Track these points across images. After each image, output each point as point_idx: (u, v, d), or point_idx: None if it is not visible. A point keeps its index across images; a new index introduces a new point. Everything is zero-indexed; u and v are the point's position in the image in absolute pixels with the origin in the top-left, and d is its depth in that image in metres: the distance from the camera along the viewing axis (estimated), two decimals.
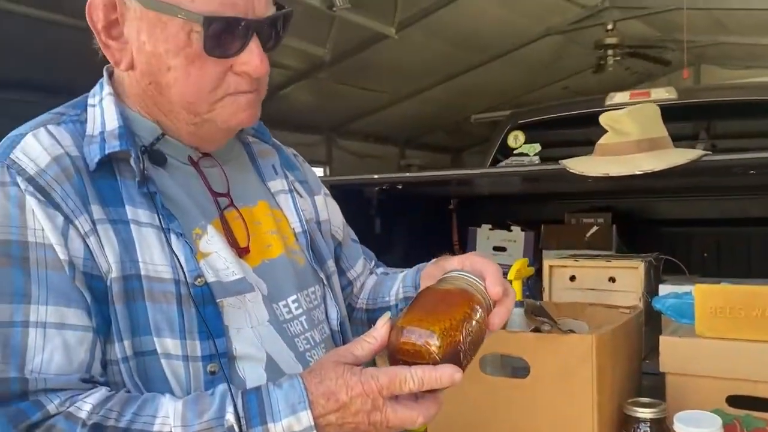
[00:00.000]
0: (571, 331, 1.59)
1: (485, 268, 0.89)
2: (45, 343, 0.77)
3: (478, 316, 0.81)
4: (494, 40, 5.33)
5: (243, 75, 0.87)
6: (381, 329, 0.79)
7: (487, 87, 6.27)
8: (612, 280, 2.04)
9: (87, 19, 0.87)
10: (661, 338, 1.40)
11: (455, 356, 0.77)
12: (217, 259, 0.88)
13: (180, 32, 0.83)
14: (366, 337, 0.79)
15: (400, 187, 2.45)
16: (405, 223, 2.80)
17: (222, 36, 0.84)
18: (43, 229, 0.79)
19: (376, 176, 2.28)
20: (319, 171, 6.50)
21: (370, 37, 4.46)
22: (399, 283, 1.13)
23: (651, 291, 2.00)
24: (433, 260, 1.06)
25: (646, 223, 2.99)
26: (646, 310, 1.85)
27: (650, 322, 1.91)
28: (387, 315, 0.81)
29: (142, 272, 0.82)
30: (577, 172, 1.85)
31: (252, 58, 0.86)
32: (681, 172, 1.85)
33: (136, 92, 0.91)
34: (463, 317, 0.79)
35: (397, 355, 0.77)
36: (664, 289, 1.85)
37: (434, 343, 0.75)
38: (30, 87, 4.04)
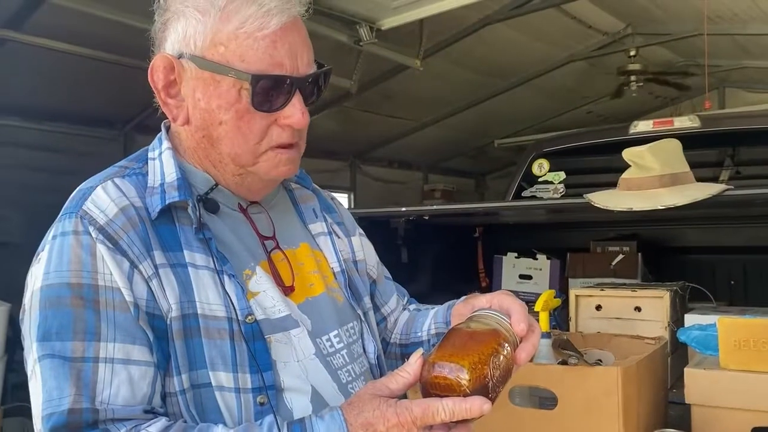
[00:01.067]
0: (598, 361, 1.62)
1: (511, 306, 0.95)
2: (113, 378, 0.84)
3: (505, 351, 0.87)
4: (517, 67, 5.38)
5: (285, 128, 0.95)
6: (414, 364, 0.84)
7: (511, 113, 6.32)
8: (638, 309, 2.07)
9: (149, 79, 0.96)
10: (686, 370, 1.43)
11: (484, 388, 0.82)
12: (265, 298, 0.96)
13: (231, 89, 0.92)
14: (400, 372, 0.85)
15: (426, 218, 2.50)
16: (431, 251, 2.85)
17: (269, 93, 0.92)
18: (111, 274, 0.86)
19: (403, 209, 2.34)
20: (343, 197, 6.58)
21: (394, 67, 4.55)
22: (431, 319, 1.19)
23: (677, 320, 2.02)
24: (464, 298, 1.11)
25: (673, 251, 3.00)
26: (672, 339, 1.88)
27: (677, 351, 1.94)
28: (420, 351, 0.86)
29: (199, 311, 0.90)
30: (602, 206, 1.89)
31: (294, 112, 0.93)
32: (705, 203, 1.88)
33: (191, 145, 0.99)
34: (491, 352, 0.84)
35: (429, 388, 0.83)
36: (689, 319, 1.87)
37: (464, 377, 0.81)
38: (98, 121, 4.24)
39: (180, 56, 0.94)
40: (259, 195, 1.04)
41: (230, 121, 0.93)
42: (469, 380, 0.80)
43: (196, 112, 0.95)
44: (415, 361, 0.84)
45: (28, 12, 3.18)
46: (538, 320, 1.75)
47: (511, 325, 0.91)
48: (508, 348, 0.88)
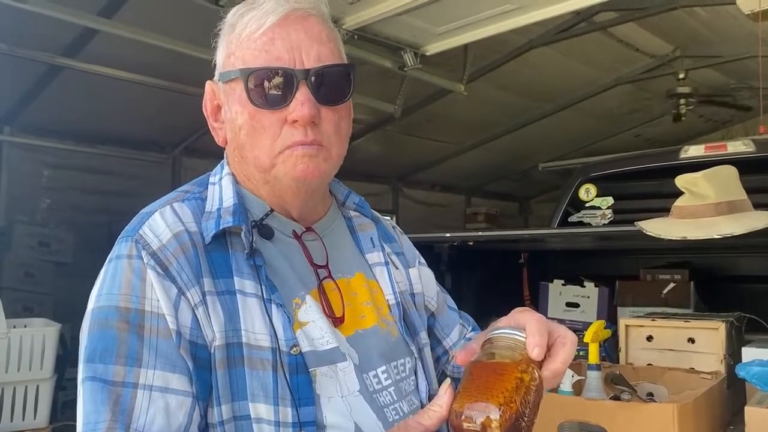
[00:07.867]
0: (650, 395, 1.56)
1: (527, 322, 0.83)
2: (149, 405, 0.83)
3: (529, 378, 0.80)
4: (563, 90, 5.33)
5: (295, 125, 0.91)
6: (444, 396, 0.79)
7: (556, 136, 6.25)
8: (691, 341, 1.99)
9: (204, 112, 1.00)
10: (747, 409, 1.37)
11: (517, 427, 0.77)
12: (314, 328, 0.93)
13: (242, 93, 0.93)
14: (431, 407, 0.80)
15: (471, 243, 2.47)
16: (475, 277, 2.81)
17: (267, 88, 0.91)
18: (158, 300, 0.86)
19: (447, 234, 2.31)
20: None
21: (438, 90, 4.56)
22: None
23: (733, 353, 1.94)
24: (484, 332, 1.00)
25: (727, 280, 2.89)
26: (728, 373, 1.80)
27: (733, 385, 1.85)
28: (448, 381, 0.81)
29: (244, 340, 0.88)
30: (654, 235, 1.84)
31: (296, 106, 0.90)
32: (763, 232, 1.81)
33: (234, 164, 1.00)
34: (515, 385, 0.78)
35: None
36: (747, 353, 1.79)
37: (494, 420, 0.75)
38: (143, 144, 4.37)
39: (217, 81, 0.99)
40: (296, 206, 1.00)
41: (246, 124, 0.93)
42: (500, 425, 0.75)
43: (228, 125, 0.97)
44: (444, 392, 0.79)
45: (84, 41, 3.30)
46: (587, 352, 1.70)
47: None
48: (533, 372, 0.80)
